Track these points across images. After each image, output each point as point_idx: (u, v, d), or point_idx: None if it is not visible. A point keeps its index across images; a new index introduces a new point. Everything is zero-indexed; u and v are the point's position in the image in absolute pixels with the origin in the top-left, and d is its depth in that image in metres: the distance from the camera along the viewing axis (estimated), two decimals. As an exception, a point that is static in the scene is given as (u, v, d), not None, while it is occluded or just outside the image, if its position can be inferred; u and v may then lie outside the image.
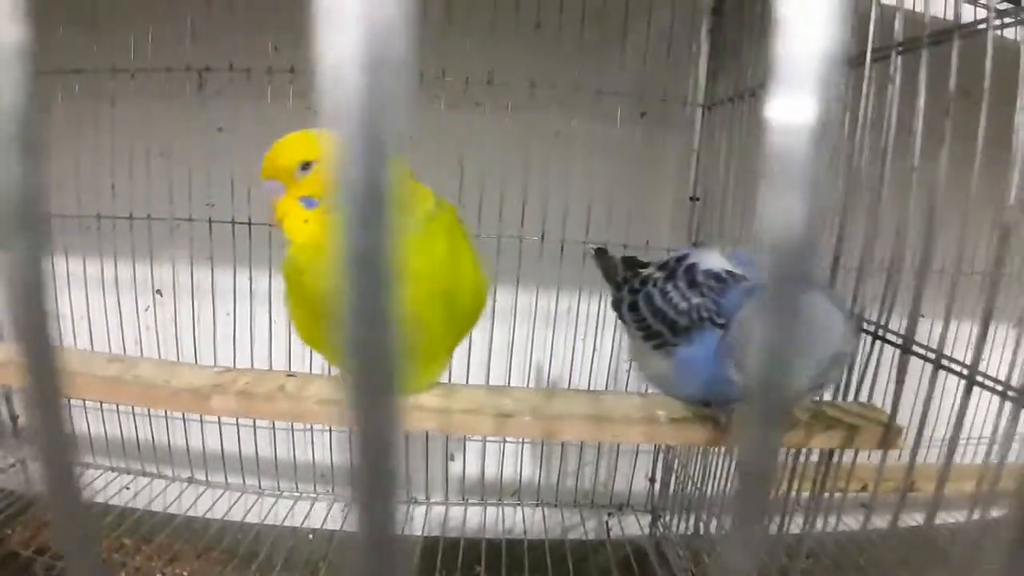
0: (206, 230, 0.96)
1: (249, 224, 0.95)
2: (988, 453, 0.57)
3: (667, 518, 1.04)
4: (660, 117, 0.98)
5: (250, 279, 0.99)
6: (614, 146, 0.97)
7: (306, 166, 0.46)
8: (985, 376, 0.54)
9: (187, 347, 1.02)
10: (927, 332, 0.60)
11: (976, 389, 0.55)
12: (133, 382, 0.57)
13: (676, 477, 1.00)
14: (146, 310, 1.03)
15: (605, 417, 0.55)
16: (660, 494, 1.06)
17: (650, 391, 0.63)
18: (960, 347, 0.59)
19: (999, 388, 0.54)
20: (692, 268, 0.54)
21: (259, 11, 0.92)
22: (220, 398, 0.55)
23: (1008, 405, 0.53)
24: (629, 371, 1.02)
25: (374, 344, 0.15)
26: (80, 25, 0.92)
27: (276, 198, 0.48)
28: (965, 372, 0.56)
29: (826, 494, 0.66)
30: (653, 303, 0.55)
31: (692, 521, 0.97)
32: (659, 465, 1.06)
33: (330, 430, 1.04)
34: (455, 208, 0.51)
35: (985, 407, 0.56)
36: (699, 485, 0.95)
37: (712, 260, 0.54)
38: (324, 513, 1.06)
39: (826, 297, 0.48)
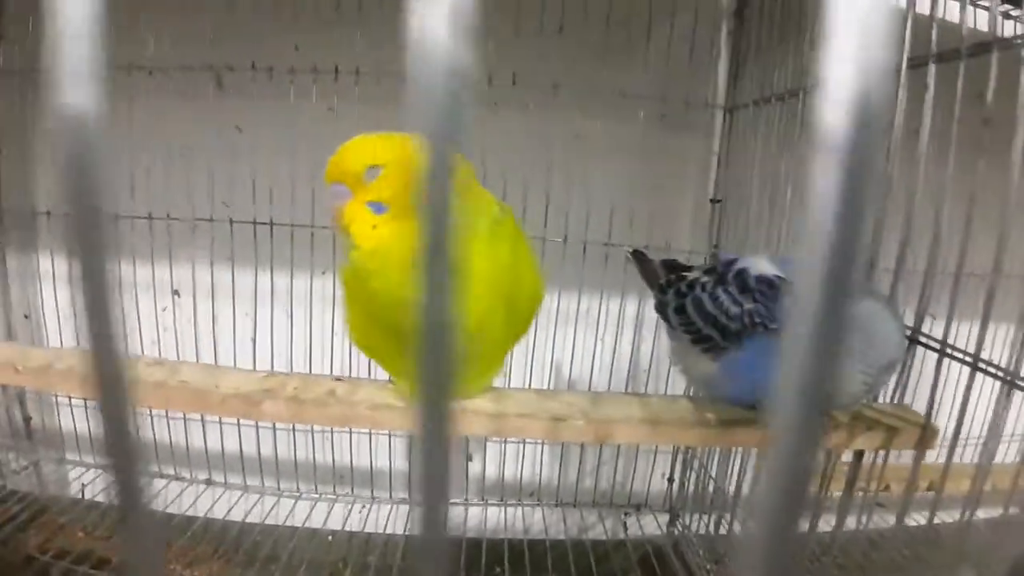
0: (227, 230, 0.96)
1: (271, 224, 0.94)
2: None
3: (686, 517, 1.05)
4: (681, 120, 0.98)
5: (271, 281, 0.98)
6: (635, 148, 0.98)
7: (374, 170, 0.46)
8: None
9: (205, 349, 1.01)
10: (964, 334, 0.62)
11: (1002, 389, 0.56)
12: (181, 388, 0.56)
13: (696, 476, 1.01)
14: (164, 311, 1.02)
15: (658, 420, 0.55)
16: (678, 493, 1.07)
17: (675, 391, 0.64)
18: (995, 349, 0.61)
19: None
20: (743, 273, 0.54)
21: (281, 10, 0.92)
22: (271, 403, 0.55)
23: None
24: (649, 372, 1.02)
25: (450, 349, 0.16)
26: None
27: (341, 203, 0.47)
28: (1002, 375, 0.57)
29: (859, 493, 0.68)
30: (703, 307, 0.55)
31: (712, 520, 0.98)
32: (677, 464, 1.07)
33: (349, 432, 1.03)
34: (512, 211, 0.51)
35: (1017, 407, 0.57)
36: (719, 484, 0.96)
37: (762, 266, 0.55)
38: (344, 515, 1.06)
39: (883, 305, 0.49)
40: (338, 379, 0.58)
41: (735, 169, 0.95)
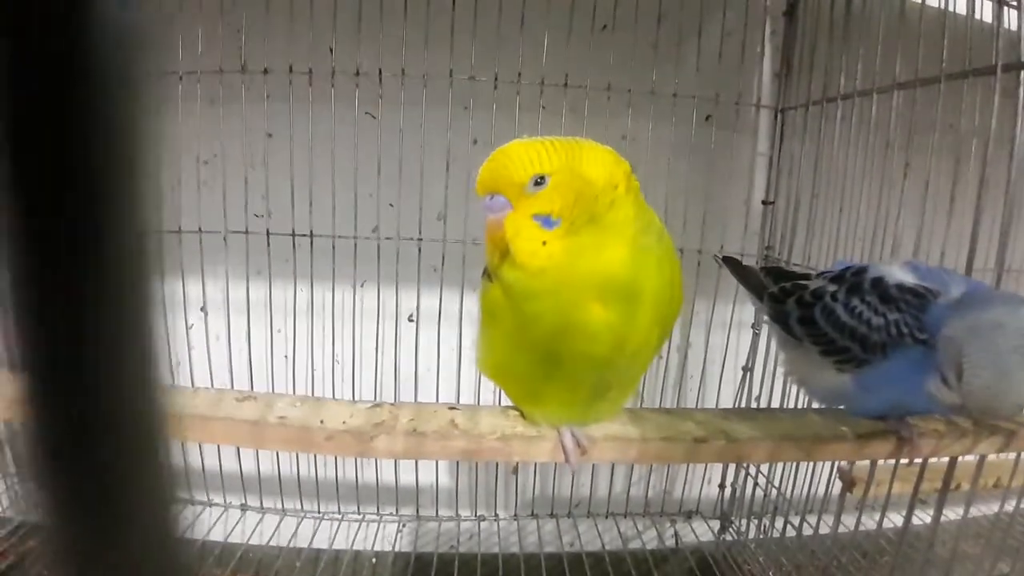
0: (263, 242, 0.90)
1: (311, 236, 0.89)
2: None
3: (740, 523, 1.04)
4: (730, 120, 0.97)
5: (311, 295, 0.93)
6: (684, 149, 0.95)
7: (540, 180, 0.41)
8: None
9: (242, 364, 0.95)
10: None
11: None
12: (280, 425, 0.52)
13: (754, 481, 1.00)
14: (191, 328, 0.96)
15: (793, 437, 0.53)
16: (731, 499, 1.06)
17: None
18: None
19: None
20: (880, 282, 0.52)
21: (318, 11, 0.87)
22: (385, 439, 0.51)
23: None
24: (701, 378, 1.01)
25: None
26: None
27: (501, 215, 0.42)
28: None
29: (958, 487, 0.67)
30: (837, 318, 0.53)
31: (770, 524, 0.97)
32: (728, 471, 1.05)
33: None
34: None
35: None
36: (778, 487, 0.95)
37: (899, 274, 0.53)
38: (393, 535, 1.01)
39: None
40: (454, 407, 0.54)
41: (787, 170, 0.94)
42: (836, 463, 0.78)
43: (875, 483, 0.75)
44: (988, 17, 0.69)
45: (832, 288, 0.55)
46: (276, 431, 0.52)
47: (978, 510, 0.85)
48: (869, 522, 0.81)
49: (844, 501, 0.79)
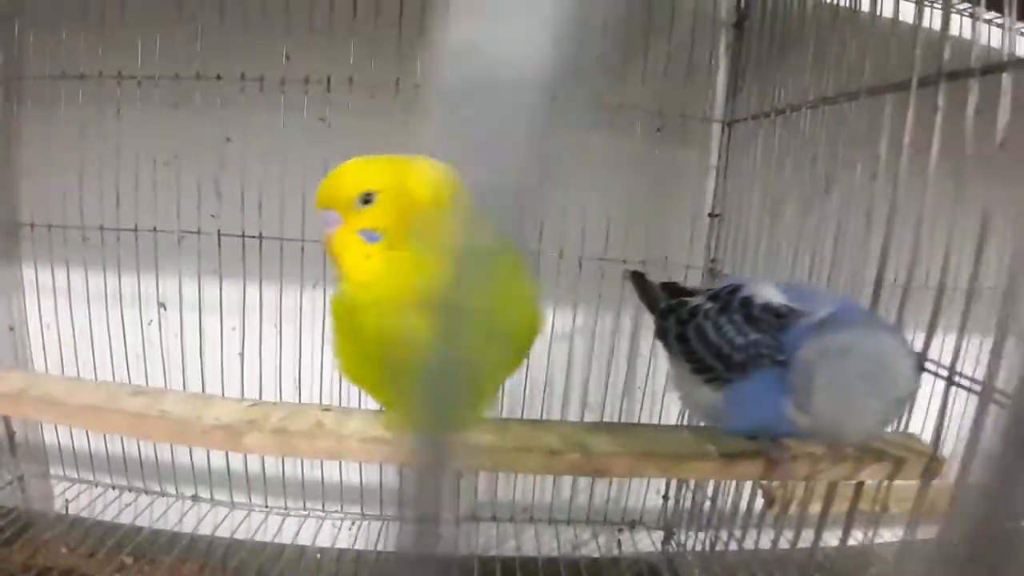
0: (214, 243, 0.93)
1: (260, 238, 0.92)
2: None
3: (681, 535, 1.04)
4: (678, 133, 0.97)
5: (260, 295, 0.96)
6: (632, 161, 0.95)
7: (368, 197, 0.43)
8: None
9: (192, 364, 0.99)
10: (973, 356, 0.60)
11: None
12: (161, 418, 0.54)
13: (692, 494, 1.00)
14: (149, 324, 1.00)
15: (655, 454, 0.54)
16: (674, 510, 1.06)
17: (690, 420, 0.62)
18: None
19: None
20: (748, 301, 0.52)
21: (271, 19, 0.89)
22: (256, 436, 0.53)
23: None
24: (644, 390, 1.01)
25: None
26: (86, 29, 0.88)
27: (332, 230, 0.45)
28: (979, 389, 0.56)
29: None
30: (706, 336, 0.54)
31: (708, 538, 0.96)
32: (672, 483, 1.05)
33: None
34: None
35: None
36: (715, 501, 0.94)
37: (768, 293, 0.53)
38: (333, 532, 1.04)
39: (896, 339, 0.48)
40: (326, 408, 0.56)
41: (734, 183, 0.94)
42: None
43: (800, 501, 0.74)
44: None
45: (708, 306, 0.56)
46: (157, 423, 0.54)
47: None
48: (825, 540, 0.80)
49: (781, 518, 0.79)
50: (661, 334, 0.60)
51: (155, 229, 0.94)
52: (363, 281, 0.43)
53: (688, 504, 1.01)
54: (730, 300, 0.54)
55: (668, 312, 0.59)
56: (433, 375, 0.44)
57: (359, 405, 0.65)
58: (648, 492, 1.06)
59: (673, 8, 0.92)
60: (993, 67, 0.55)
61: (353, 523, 1.06)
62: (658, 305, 0.62)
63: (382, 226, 0.42)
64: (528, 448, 0.52)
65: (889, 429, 0.63)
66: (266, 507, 1.04)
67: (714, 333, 0.53)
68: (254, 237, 0.93)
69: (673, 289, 0.63)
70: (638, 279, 0.68)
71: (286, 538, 1.03)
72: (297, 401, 0.97)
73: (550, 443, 0.53)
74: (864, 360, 0.45)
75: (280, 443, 0.52)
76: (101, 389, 0.59)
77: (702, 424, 0.61)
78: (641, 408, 1.02)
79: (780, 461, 0.55)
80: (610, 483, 1.05)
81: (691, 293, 0.61)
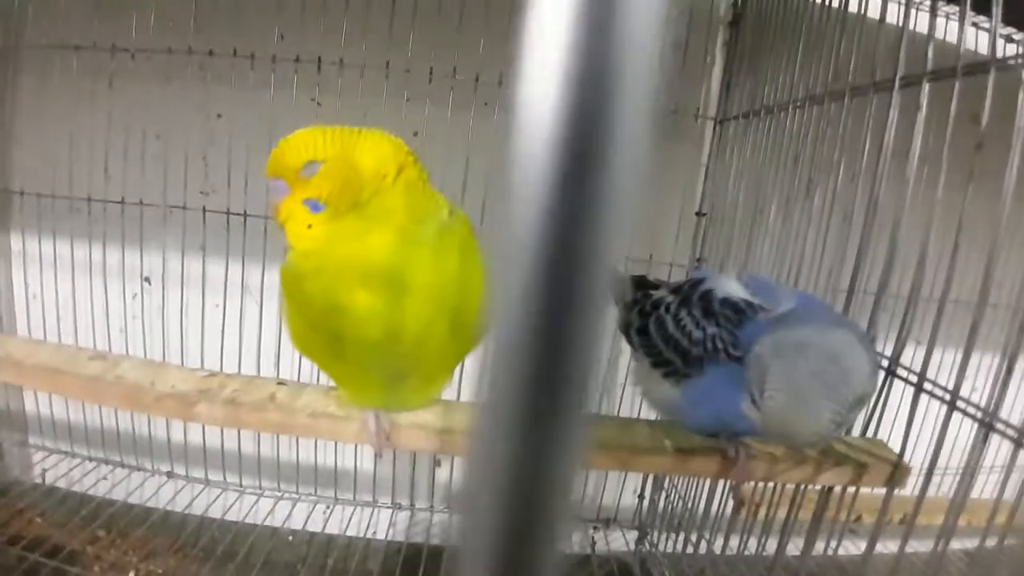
0: (200, 219, 0.93)
1: (244, 216, 0.92)
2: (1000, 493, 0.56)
3: (654, 535, 1.02)
4: (670, 129, 0.96)
5: (242, 272, 0.96)
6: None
7: (312, 166, 0.43)
8: (1002, 422, 0.53)
9: (174, 337, 0.99)
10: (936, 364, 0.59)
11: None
12: (115, 383, 0.54)
13: (666, 494, 0.99)
14: (133, 298, 1.00)
15: (610, 445, 0.53)
16: (648, 510, 1.05)
17: (644, 414, 0.61)
18: (979, 379, 0.58)
19: (1014, 435, 0.53)
20: (708, 295, 0.52)
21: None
22: (206, 405, 0.52)
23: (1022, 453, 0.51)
24: (624, 386, 1.00)
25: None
26: (83, 0, 0.89)
27: (279, 199, 0.45)
28: (980, 415, 0.54)
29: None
30: (665, 330, 0.53)
31: (680, 539, 0.95)
32: (648, 482, 1.04)
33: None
34: (468, 218, 0.48)
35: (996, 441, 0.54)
36: (688, 503, 0.93)
37: (729, 287, 0.52)
38: (306, 514, 1.03)
39: (854, 335, 0.46)
40: (281, 382, 0.55)
41: (721, 182, 0.93)
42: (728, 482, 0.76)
43: (772, 505, 0.73)
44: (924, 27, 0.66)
45: (669, 299, 0.55)
46: (111, 388, 0.54)
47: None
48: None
49: (749, 522, 0.78)
50: (624, 327, 0.59)
51: (142, 203, 0.94)
52: (304, 250, 0.43)
53: (661, 505, 1.00)
54: (690, 294, 0.53)
55: (632, 305, 0.58)
56: (376, 347, 0.44)
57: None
58: (624, 491, 1.05)
59: (669, 3, 0.91)
60: (976, 68, 0.54)
61: (328, 507, 1.05)
62: (623, 298, 0.61)
63: (325, 196, 0.42)
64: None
65: (856, 433, 0.62)
66: (240, 486, 1.04)
67: (673, 327, 0.52)
68: (239, 215, 0.93)
69: (640, 282, 0.62)
70: (609, 271, 0.67)
71: (259, 518, 1.02)
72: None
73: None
74: (818, 357, 0.44)
75: (229, 414, 0.52)
76: (61, 352, 0.59)
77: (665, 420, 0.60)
78: (620, 404, 1.01)
79: (736, 460, 0.54)
80: (585, 480, 1.04)
81: (657, 287, 0.60)
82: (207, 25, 0.90)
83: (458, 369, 0.54)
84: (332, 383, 0.54)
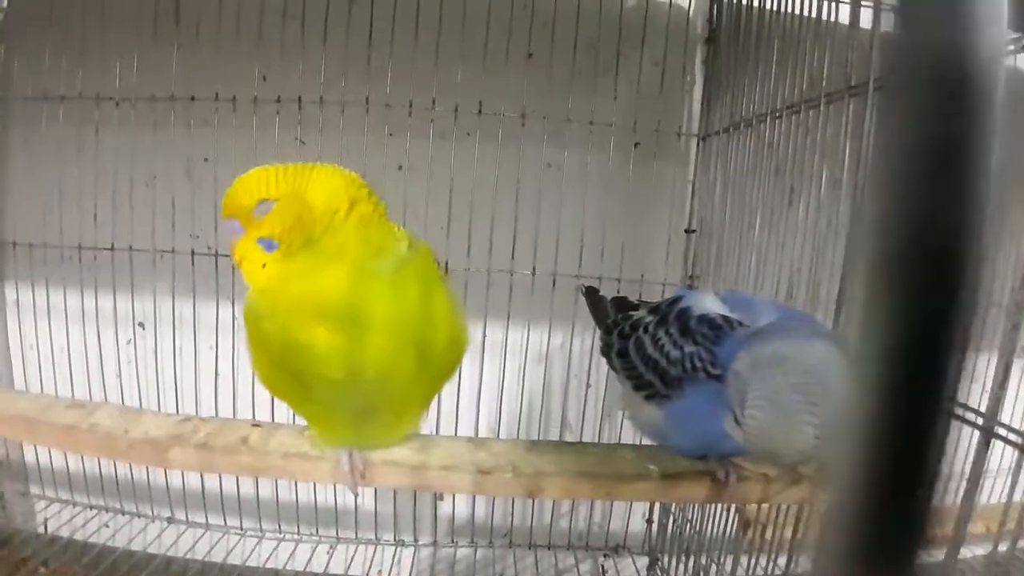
0: (189, 262, 0.94)
1: (215, 255, 0.92)
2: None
3: (665, 561, 1.00)
4: (654, 148, 0.95)
5: (233, 314, 0.95)
6: (607, 178, 0.94)
7: (265, 205, 0.43)
8: (1004, 426, 0.51)
9: (168, 381, 0.99)
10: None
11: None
12: (89, 431, 0.53)
13: (674, 519, 0.96)
14: (128, 343, 1.00)
15: (593, 473, 0.51)
16: (658, 535, 1.02)
17: (643, 440, 0.60)
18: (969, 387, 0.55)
19: (1017, 440, 0.51)
20: (685, 313, 0.50)
21: (246, 41, 0.90)
22: (179, 451, 0.52)
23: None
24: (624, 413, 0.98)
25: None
26: (67, 51, 0.90)
27: (235, 239, 0.44)
28: (980, 422, 0.52)
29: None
30: (644, 350, 0.51)
31: (692, 564, 0.92)
32: (656, 506, 1.01)
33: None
34: (431, 251, 0.48)
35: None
36: (697, 528, 0.90)
37: (706, 304, 0.51)
38: (308, 555, 1.02)
39: (835, 347, 0.45)
40: (256, 424, 0.55)
41: (707, 198, 0.92)
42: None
43: (778, 526, 0.71)
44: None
45: (648, 319, 0.53)
46: (85, 437, 0.54)
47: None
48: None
49: (757, 544, 0.75)
50: (605, 350, 0.57)
51: (131, 248, 0.94)
52: (260, 289, 0.43)
53: (671, 530, 0.97)
54: (668, 312, 0.52)
55: (613, 327, 0.57)
56: (339, 384, 0.43)
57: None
58: (632, 516, 1.02)
59: (646, 24, 0.91)
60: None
61: (330, 546, 1.03)
62: (605, 320, 0.60)
63: (278, 234, 0.42)
64: (456, 468, 0.50)
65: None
66: (241, 529, 1.02)
67: (652, 347, 0.51)
68: (227, 256, 0.93)
69: (621, 303, 0.61)
70: (591, 294, 0.66)
71: (261, 561, 1.01)
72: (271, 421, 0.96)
73: (481, 461, 0.50)
74: (799, 371, 0.43)
75: (202, 459, 0.51)
76: (39, 401, 0.58)
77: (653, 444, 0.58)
78: (621, 428, 0.99)
79: (727, 483, 0.52)
80: (591, 505, 1.02)
81: (637, 307, 0.59)
82: (188, 71, 0.91)
83: (434, 404, 0.53)
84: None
